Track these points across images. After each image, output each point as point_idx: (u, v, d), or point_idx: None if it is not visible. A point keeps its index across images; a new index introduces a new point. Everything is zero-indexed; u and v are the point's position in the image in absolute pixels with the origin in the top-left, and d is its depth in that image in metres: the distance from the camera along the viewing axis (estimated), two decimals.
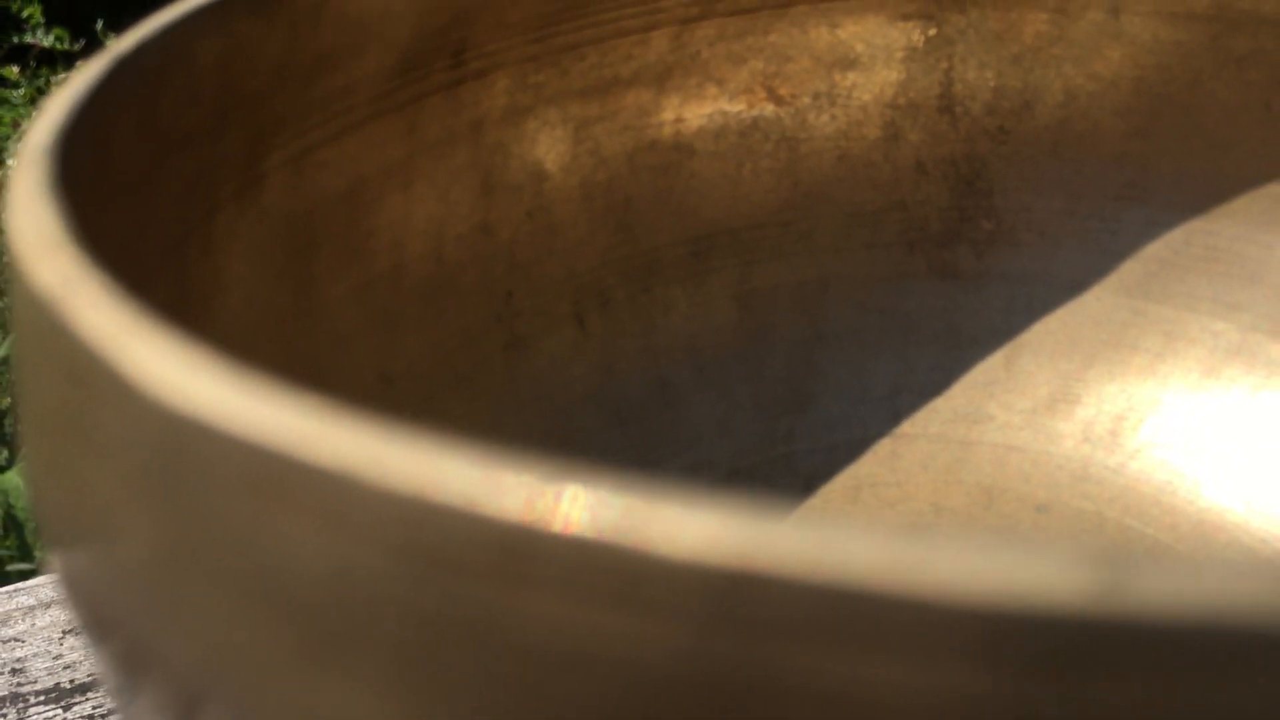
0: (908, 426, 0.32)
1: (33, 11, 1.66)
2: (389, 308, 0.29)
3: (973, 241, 0.33)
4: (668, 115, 0.33)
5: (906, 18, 0.33)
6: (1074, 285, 0.32)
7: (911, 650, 0.08)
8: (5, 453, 0.93)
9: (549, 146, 0.32)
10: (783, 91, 0.33)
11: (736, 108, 0.33)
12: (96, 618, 0.14)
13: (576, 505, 0.09)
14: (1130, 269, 0.32)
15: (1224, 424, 0.30)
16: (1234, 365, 0.30)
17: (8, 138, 1.41)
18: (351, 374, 0.28)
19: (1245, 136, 0.31)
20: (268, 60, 0.25)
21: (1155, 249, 0.32)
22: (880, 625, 0.08)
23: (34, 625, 0.37)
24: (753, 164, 0.34)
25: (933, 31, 0.33)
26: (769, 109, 0.33)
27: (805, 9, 0.33)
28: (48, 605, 0.37)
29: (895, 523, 0.30)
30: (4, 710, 0.34)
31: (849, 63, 0.33)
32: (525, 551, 0.09)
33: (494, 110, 0.31)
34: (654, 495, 0.09)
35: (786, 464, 0.32)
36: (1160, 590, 0.08)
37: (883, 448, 0.32)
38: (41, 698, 0.35)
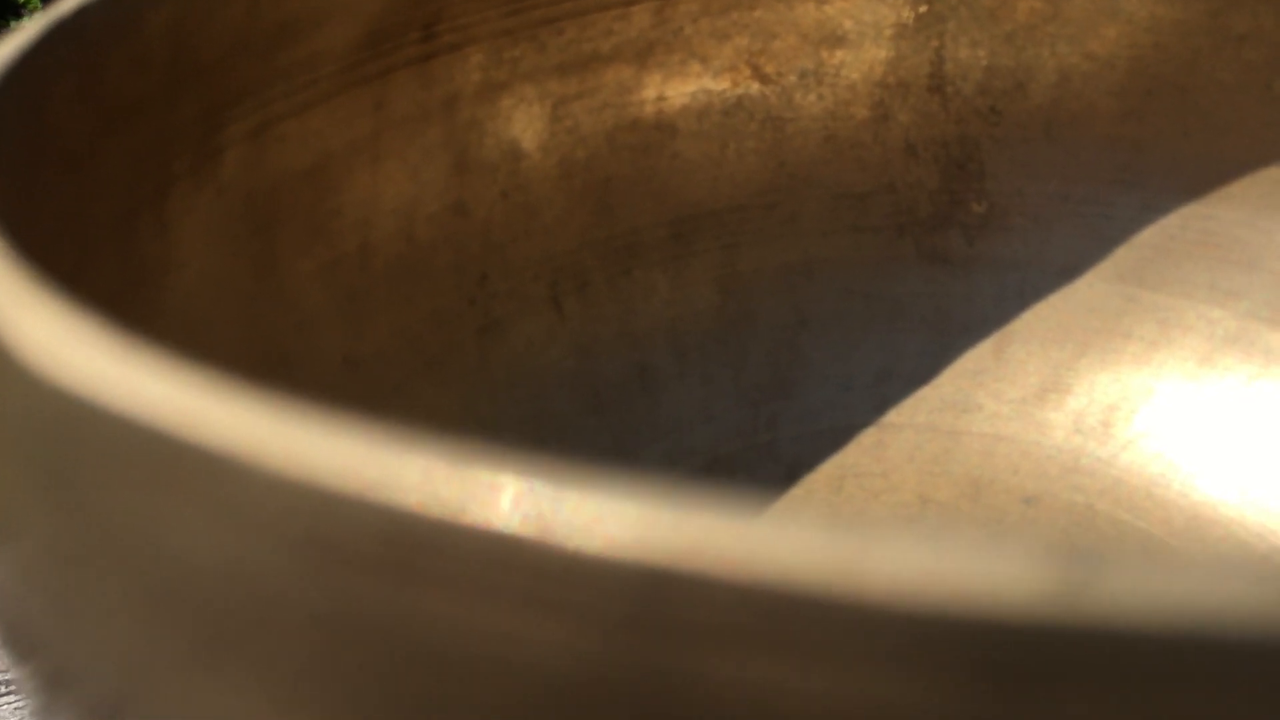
0: (894, 415, 0.31)
1: None
2: (356, 289, 0.28)
3: (963, 226, 0.32)
4: (649, 93, 0.32)
5: None
6: (1067, 271, 0.31)
7: (843, 657, 0.07)
8: None
9: (526, 124, 0.31)
10: (768, 69, 0.32)
11: (720, 86, 0.32)
12: (10, 630, 0.13)
13: (482, 493, 0.08)
14: (1124, 255, 0.31)
15: (1219, 414, 0.29)
16: (1230, 354, 0.29)
17: None
18: (315, 358, 0.27)
19: (1244, 118, 0.30)
20: (224, 28, 0.24)
21: (1150, 234, 0.31)
22: (809, 629, 0.07)
23: None
24: (737, 144, 0.33)
25: (923, 8, 0.32)
26: (754, 87, 0.32)
27: None
28: None
29: (880, 514, 0.30)
30: None
31: (837, 40, 0.32)
32: (425, 544, 0.08)
33: (468, 86, 0.30)
34: (566, 483, 0.08)
35: (769, 452, 0.31)
36: (1129, 592, 0.07)
37: (868, 437, 0.31)
38: (9, 686, 0.34)
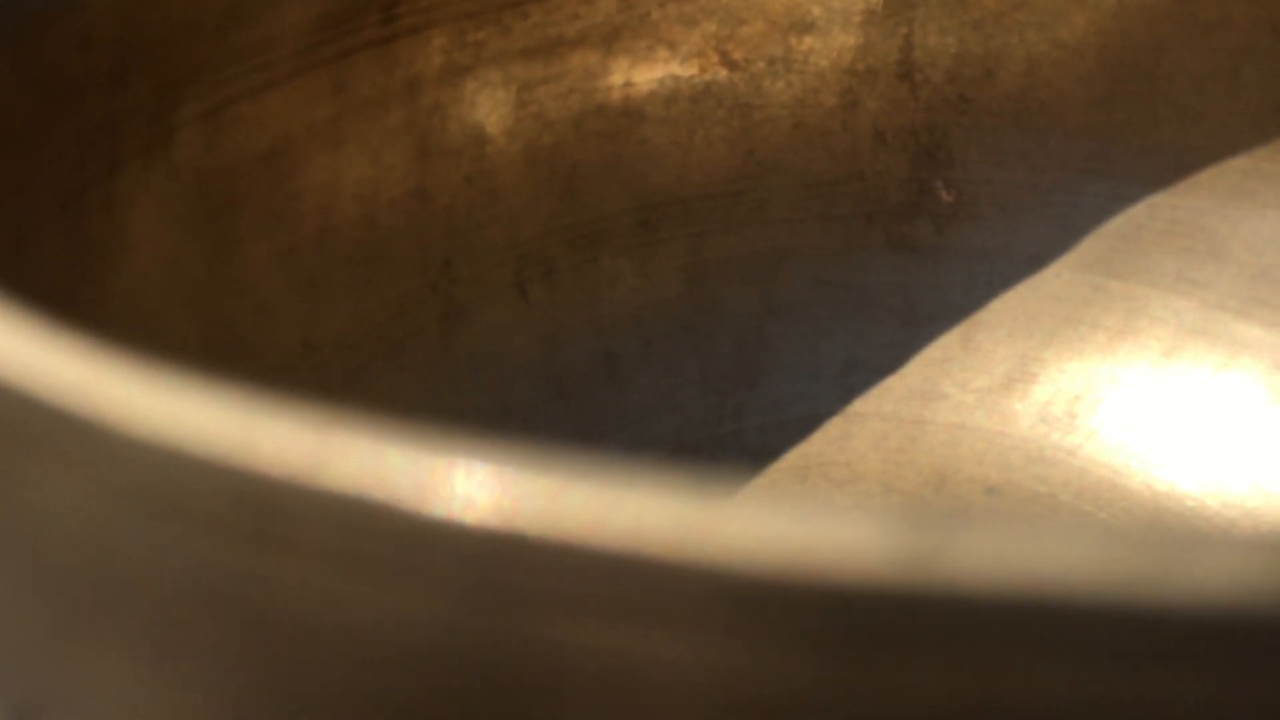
0: (860, 405, 0.31)
1: None
2: (315, 273, 0.28)
3: (932, 214, 0.32)
4: (616, 78, 0.32)
5: None
6: (1034, 261, 0.31)
7: (690, 624, 0.07)
8: None
9: (490, 109, 0.31)
10: (736, 56, 0.32)
11: (688, 72, 0.32)
12: None
13: (334, 458, 0.08)
14: (1092, 244, 0.31)
15: (1184, 405, 0.29)
16: (1196, 344, 0.29)
17: None
18: (272, 341, 0.27)
19: (1213, 106, 0.30)
20: (175, 5, 0.23)
21: (1118, 223, 0.30)
22: (657, 595, 0.07)
23: None
24: (705, 131, 0.32)
25: None
26: (722, 74, 0.32)
27: None
28: None
29: (842, 504, 0.29)
30: None
31: (805, 26, 0.32)
32: (279, 509, 0.08)
33: (430, 69, 0.29)
34: (417, 448, 0.08)
35: (734, 442, 0.31)
36: (976, 559, 0.07)
37: (834, 426, 0.31)
38: None
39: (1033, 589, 0.07)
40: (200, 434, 0.08)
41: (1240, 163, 0.29)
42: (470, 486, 0.08)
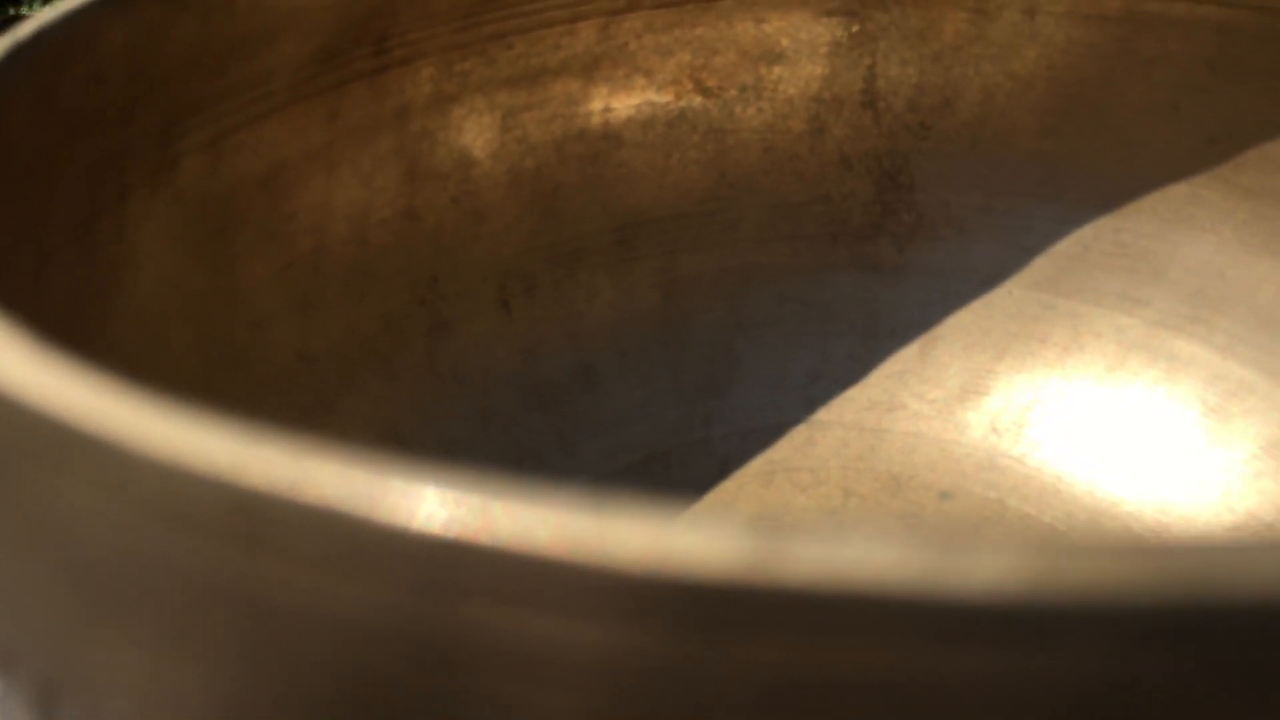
0: (823, 414, 0.33)
1: None
2: (309, 289, 0.30)
3: (893, 235, 0.34)
4: (596, 105, 0.34)
5: (830, 14, 0.33)
6: (989, 279, 0.33)
7: (588, 613, 0.09)
8: None
9: (476, 134, 0.32)
10: (710, 84, 0.34)
11: (664, 99, 0.34)
12: None
13: (312, 476, 0.10)
14: (1042, 264, 0.32)
15: (1124, 417, 0.31)
16: (1137, 359, 0.31)
17: None
18: (269, 353, 0.29)
19: (1154, 137, 0.31)
20: (179, 45, 0.25)
21: (1066, 245, 0.32)
22: (564, 590, 0.09)
23: None
24: (680, 154, 0.34)
25: (856, 28, 0.33)
26: (696, 100, 0.34)
27: (731, 3, 0.33)
28: None
29: (805, 507, 0.31)
30: None
31: (775, 57, 0.34)
32: (266, 518, 0.10)
33: (419, 98, 0.31)
34: (379, 469, 0.10)
35: (703, 448, 0.33)
36: (807, 560, 0.09)
37: (798, 434, 0.33)
38: None
39: (846, 585, 0.09)
40: (203, 456, 0.10)
41: (1179, 189, 0.31)
42: (421, 503, 0.10)
